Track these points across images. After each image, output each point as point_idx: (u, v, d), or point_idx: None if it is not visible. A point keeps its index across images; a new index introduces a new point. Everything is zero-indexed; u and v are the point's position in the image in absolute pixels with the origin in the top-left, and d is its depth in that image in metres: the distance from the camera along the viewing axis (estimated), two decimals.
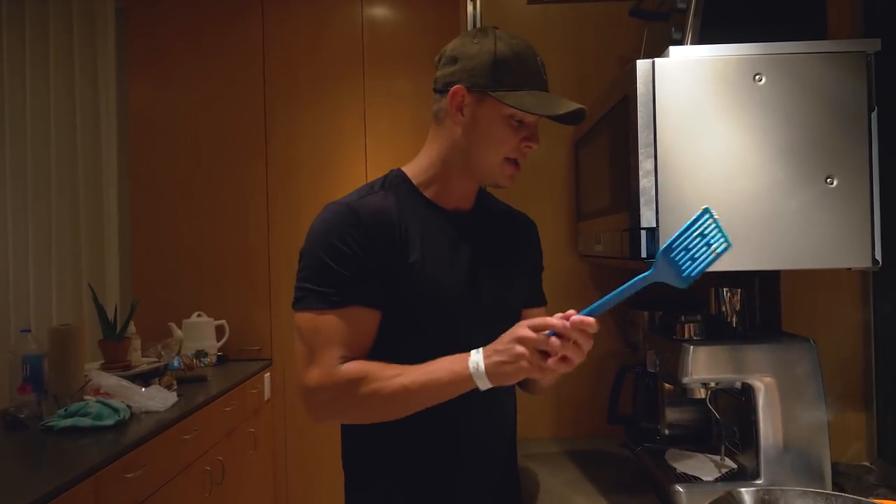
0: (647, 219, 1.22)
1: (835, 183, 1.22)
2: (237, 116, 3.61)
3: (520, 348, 1.04)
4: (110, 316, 2.82)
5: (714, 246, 1.01)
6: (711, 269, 1.21)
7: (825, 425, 1.37)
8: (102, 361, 2.80)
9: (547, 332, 1.03)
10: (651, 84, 1.22)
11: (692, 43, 1.35)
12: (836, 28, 1.47)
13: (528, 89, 1.15)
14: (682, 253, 1.02)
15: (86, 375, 2.42)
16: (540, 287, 1.43)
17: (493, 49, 1.15)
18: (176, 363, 2.94)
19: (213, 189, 3.61)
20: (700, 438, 1.64)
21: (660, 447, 1.62)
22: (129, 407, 2.25)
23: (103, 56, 3.56)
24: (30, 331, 2.49)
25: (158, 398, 2.39)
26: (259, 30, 3.63)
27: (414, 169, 1.26)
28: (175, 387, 2.67)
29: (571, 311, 1.05)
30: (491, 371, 1.06)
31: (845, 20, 1.55)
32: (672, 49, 1.25)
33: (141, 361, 2.91)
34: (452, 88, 1.17)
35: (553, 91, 1.22)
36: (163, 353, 3.11)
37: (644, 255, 1.22)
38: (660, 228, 1.21)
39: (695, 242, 1.01)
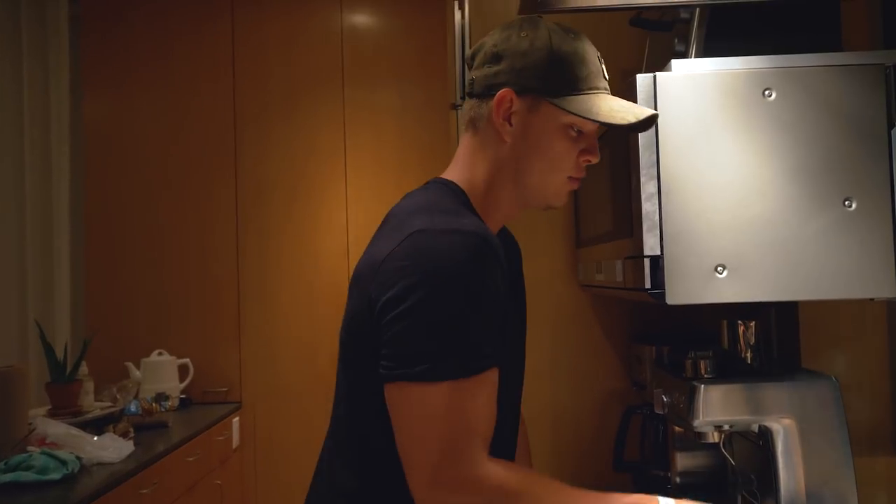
0: (650, 246, 1.24)
1: (854, 205, 1.24)
2: (204, 133, 3.64)
3: None
4: (59, 356, 2.80)
5: None
6: (723, 300, 1.24)
7: (851, 471, 1.38)
8: (49, 407, 2.78)
9: None
10: (653, 100, 1.24)
11: (696, 56, 1.39)
12: (851, 39, 1.50)
13: (592, 91, 1.07)
14: None
15: (30, 423, 2.40)
16: None
17: (547, 44, 1.06)
18: (133, 408, 2.92)
19: (177, 213, 3.62)
20: (715, 487, 1.65)
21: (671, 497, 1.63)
22: (78, 459, 2.23)
23: (56, 67, 3.58)
24: None
25: (112, 448, 2.37)
26: (228, 39, 3.67)
27: (467, 185, 1.14)
28: (132, 435, 2.65)
29: None
30: None
31: (861, 31, 1.59)
32: (675, 62, 1.28)
33: (93, 406, 2.89)
34: (499, 93, 1.07)
35: None
36: (118, 396, 3.09)
37: (648, 285, 1.24)
38: (664, 256, 1.23)
39: None
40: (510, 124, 1.09)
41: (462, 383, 0.96)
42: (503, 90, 1.07)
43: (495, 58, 1.09)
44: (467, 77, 1.15)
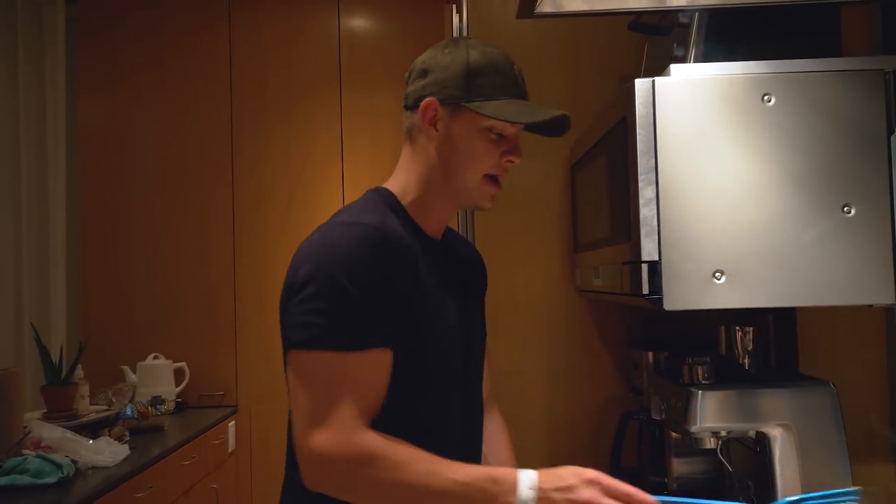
0: (648, 251, 1.23)
1: (853, 212, 1.23)
2: (200, 136, 3.63)
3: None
4: (55, 358, 2.79)
5: None
6: (721, 306, 1.24)
7: (849, 478, 1.38)
8: (45, 410, 2.77)
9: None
10: (651, 105, 1.24)
11: (695, 60, 1.38)
12: (851, 44, 1.50)
13: (506, 98, 1.18)
14: None
15: (25, 427, 2.39)
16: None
17: (465, 58, 1.19)
18: (129, 411, 2.91)
19: (173, 217, 3.60)
20: (712, 493, 1.63)
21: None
22: (73, 462, 2.22)
23: (52, 70, 3.57)
24: None
25: (108, 452, 2.36)
26: (225, 42, 3.66)
27: (398, 188, 1.26)
28: (127, 438, 2.63)
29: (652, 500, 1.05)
30: None
31: (861, 36, 1.59)
32: (673, 67, 1.27)
33: (89, 410, 2.88)
34: (424, 102, 1.20)
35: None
36: (114, 399, 3.08)
37: (645, 291, 1.23)
38: (662, 261, 1.23)
39: None
40: (436, 129, 1.21)
41: (343, 355, 1.07)
42: (427, 99, 1.20)
43: (423, 73, 1.23)
44: (404, 92, 1.28)
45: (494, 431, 1.44)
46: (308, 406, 1.08)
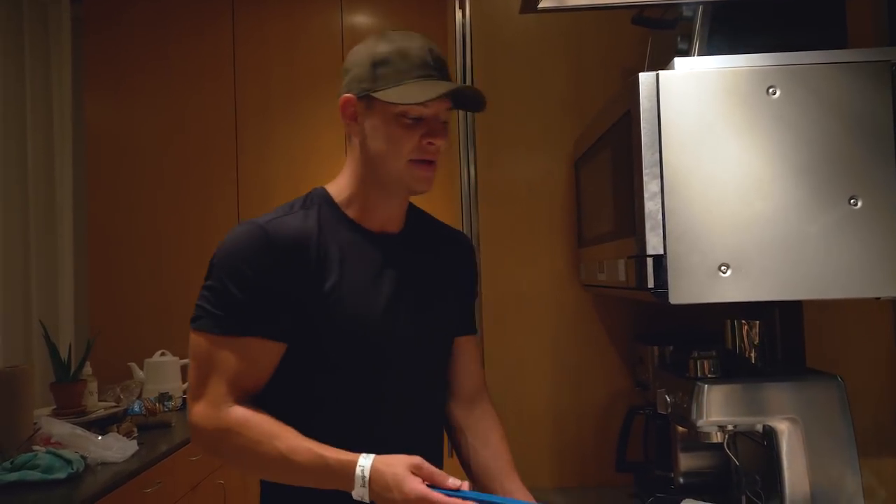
0: (653, 245, 1.22)
1: (859, 204, 1.22)
2: (205, 134, 3.63)
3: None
4: (63, 356, 2.80)
5: None
6: (727, 300, 1.22)
7: (857, 472, 1.37)
8: (54, 407, 2.78)
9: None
10: (655, 98, 1.23)
11: (699, 54, 1.37)
12: (856, 36, 1.48)
13: (413, 81, 1.19)
14: None
15: (35, 423, 2.40)
16: (472, 314, 1.48)
17: (372, 50, 1.22)
18: (136, 408, 2.91)
19: (179, 214, 3.61)
20: (718, 487, 1.63)
21: (674, 497, 1.61)
22: (83, 458, 2.23)
23: (58, 68, 3.57)
24: None
25: (116, 447, 2.37)
26: (229, 39, 3.66)
27: (335, 187, 1.30)
28: (135, 434, 2.64)
29: (466, 484, 1.14)
30: None
31: (867, 27, 1.57)
32: (678, 60, 1.26)
33: (97, 406, 2.88)
34: (341, 99, 1.25)
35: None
36: (122, 396, 3.09)
37: (650, 284, 1.22)
38: (667, 255, 1.21)
39: None
40: (357, 123, 1.25)
41: (218, 338, 1.17)
42: (344, 96, 1.25)
43: (345, 72, 1.27)
44: None
45: (485, 424, 1.42)
46: (192, 379, 1.20)
